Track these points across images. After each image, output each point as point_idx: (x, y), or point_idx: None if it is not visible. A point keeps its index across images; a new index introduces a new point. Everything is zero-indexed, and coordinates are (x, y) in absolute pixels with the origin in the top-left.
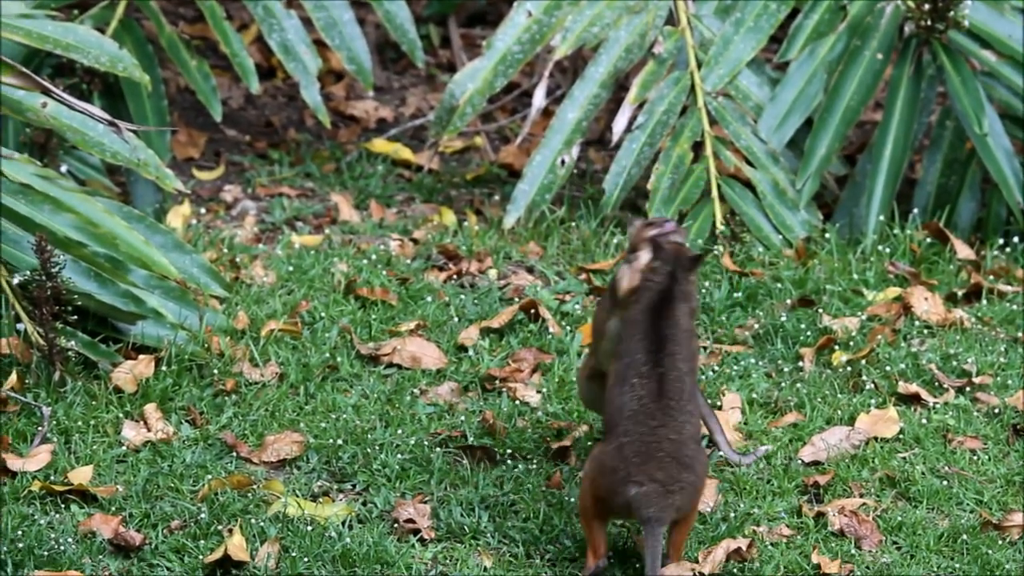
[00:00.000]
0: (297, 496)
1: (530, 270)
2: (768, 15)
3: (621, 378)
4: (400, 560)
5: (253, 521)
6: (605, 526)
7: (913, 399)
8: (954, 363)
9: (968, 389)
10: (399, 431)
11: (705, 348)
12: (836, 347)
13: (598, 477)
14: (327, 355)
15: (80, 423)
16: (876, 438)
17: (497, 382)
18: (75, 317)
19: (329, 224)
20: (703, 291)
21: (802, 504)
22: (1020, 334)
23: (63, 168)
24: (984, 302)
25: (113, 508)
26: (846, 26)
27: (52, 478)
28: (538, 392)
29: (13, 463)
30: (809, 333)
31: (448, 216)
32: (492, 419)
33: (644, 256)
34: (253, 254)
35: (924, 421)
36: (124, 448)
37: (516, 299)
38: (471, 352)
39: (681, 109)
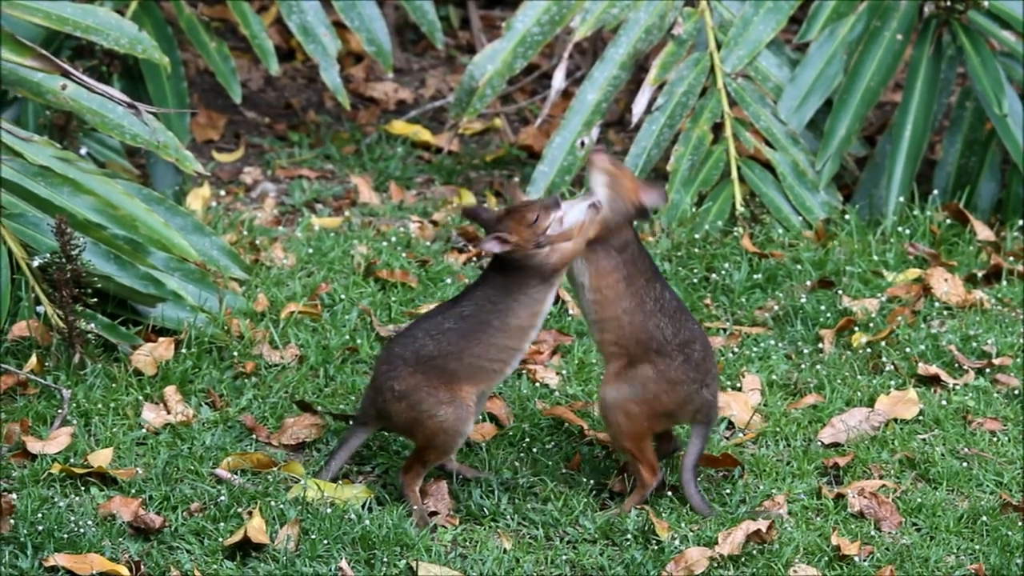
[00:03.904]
0: (317, 479)
1: None
2: None
3: (638, 300)
4: (420, 543)
5: (273, 503)
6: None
7: (933, 380)
8: (974, 344)
9: (988, 370)
10: None
11: (724, 330)
12: (856, 328)
13: (663, 395)
14: (347, 337)
15: (100, 405)
16: (896, 419)
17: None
18: (95, 300)
19: (349, 206)
20: (724, 272)
21: (822, 486)
22: None
23: (83, 150)
24: (1004, 283)
25: (133, 491)
26: (866, 7)
27: (72, 461)
28: (558, 374)
29: (33, 446)
30: (829, 314)
31: (468, 198)
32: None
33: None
34: (273, 236)
35: (944, 402)
36: (144, 430)
37: None
38: None
39: (701, 90)
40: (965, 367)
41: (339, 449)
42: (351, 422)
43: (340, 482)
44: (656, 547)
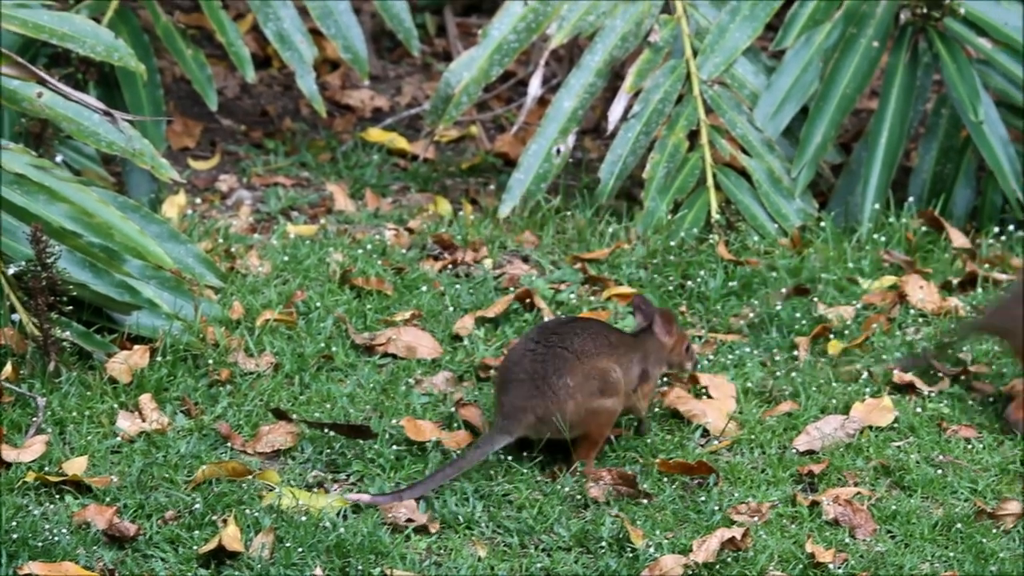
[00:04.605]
0: (291, 486)
1: (525, 259)
2: (764, 3)
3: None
4: (395, 550)
5: (247, 512)
6: None
7: (908, 388)
8: (949, 352)
9: (963, 378)
10: (394, 421)
11: (700, 337)
12: (831, 336)
13: None
14: (322, 345)
15: (75, 413)
16: (871, 427)
17: (492, 371)
18: (70, 307)
19: (324, 214)
20: (699, 279)
21: (796, 493)
22: None
23: (58, 158)
24: (980, 290)
25: (108, 499)
26: (842, 14)
27: (47, 469)
28: None
29: (8, 453)
30: (804, 322)
31: (443, 205)
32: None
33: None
34: (248, 244)
35: (919, 410)
36: (119, 439)
37: (511, 288)
38: (466, 342)
39: (677, 98)
40: (940, 374)
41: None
42: (496, 430)
43: (314, 490)
44: (631, 555)
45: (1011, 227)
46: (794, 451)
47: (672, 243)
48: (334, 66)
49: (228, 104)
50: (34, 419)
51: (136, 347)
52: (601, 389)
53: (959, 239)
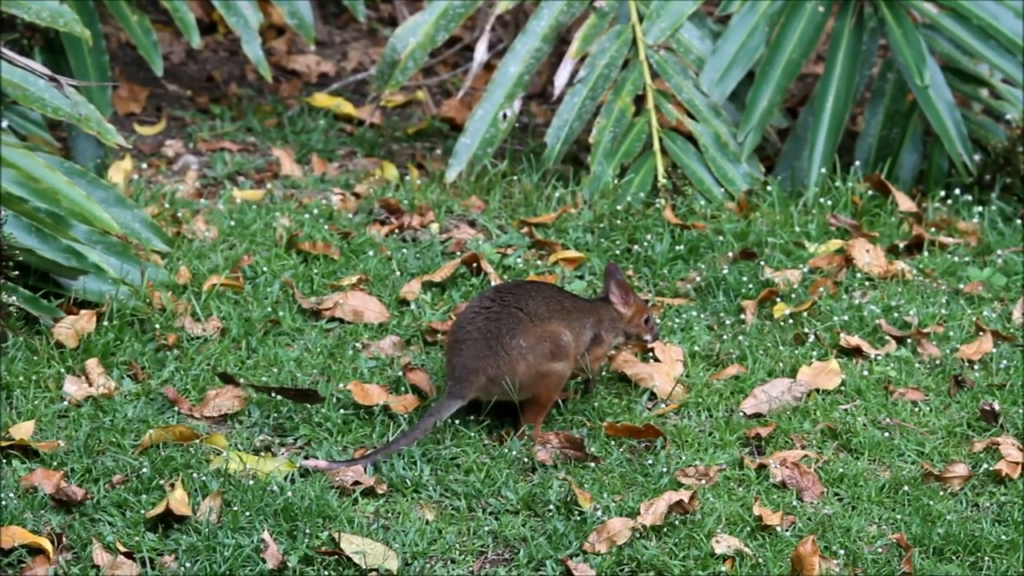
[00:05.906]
0: (239, 451)
1: (472, 224)
2: None
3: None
4: (342, 514)
5: (195, 475)
6: None
7: (855, 351)
8: (896, 315)
9: (910, 341)
10: (341, 385)
11: (647, 301)
12: (778, 299)
13: None
14: (269, 309)
15: (21, 378)
16: (818, 390)
17: (439, 336)
18: (16, 272)
19: (271, 179)
20: (646, 243)
21: (744, 456)
22: (961, 286)
23: (4, 124)
24: (926, 254)
25: (55, 463)
26: None
27: None
28: None
29: None
30: (751, 286)
31: (390, 170)
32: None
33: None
34: (195, 209)
35: (866, 373)
36: (66, 403)
37: (458, 253)
38: (413, 306)
39: (623, 62)
40: (887, 337)
41: (418, 428)
42: (447, 396)
43: (262, 454)
44: (578, 518)
45: (957, 191)
46: (741, 414)
47: (619, 207)
48: (280, 31)
49: (174, 69)
50: None
51: (83, 312)
52: (552, 352)
53: (905, 203)
